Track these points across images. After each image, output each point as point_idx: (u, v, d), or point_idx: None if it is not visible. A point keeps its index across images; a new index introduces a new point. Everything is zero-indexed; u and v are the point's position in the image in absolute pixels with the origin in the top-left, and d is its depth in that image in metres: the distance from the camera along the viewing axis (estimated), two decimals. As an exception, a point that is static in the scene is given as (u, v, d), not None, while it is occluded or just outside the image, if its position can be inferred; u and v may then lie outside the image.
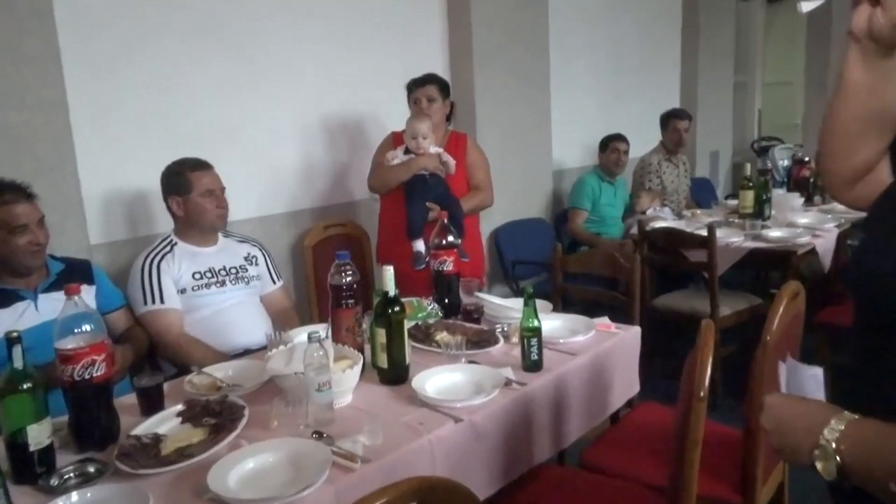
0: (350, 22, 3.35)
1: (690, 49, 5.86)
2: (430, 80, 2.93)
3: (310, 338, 1.53)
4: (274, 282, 2.59)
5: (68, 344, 1.42)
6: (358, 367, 1.65)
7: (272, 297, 2.57)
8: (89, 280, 2.15)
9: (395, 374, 1.75)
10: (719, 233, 3.16)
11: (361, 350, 1.80)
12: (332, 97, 3.34)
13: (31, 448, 1.34)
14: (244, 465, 1.34)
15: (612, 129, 4.26)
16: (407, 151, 2.79)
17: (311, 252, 3.23)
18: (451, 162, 2.80)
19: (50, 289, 2.02)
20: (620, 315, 2.26)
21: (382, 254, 3.00)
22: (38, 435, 1.35)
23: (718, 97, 6.22)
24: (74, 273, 2.10)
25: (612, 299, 2.56)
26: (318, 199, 3.37)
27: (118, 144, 2.62)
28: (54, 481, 1.32)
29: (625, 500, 1.70)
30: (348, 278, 1.80)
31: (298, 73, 3.17)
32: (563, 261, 2.76)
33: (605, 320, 2.13)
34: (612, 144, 4.16)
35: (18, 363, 1.34)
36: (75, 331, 1.43)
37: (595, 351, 1.94)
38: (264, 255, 2.60)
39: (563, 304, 2.74)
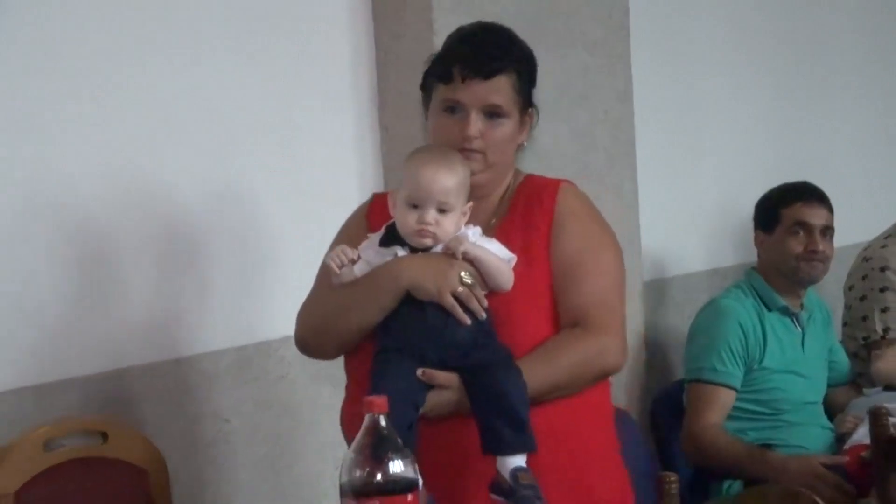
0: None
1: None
2: (499, 59, 2.28)
3: None
4: None
5: None
6: None
7: None
8: None
9: None
10: None
11: None
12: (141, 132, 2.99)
13: None
14: None
15: (788, 177, 3.66)
16: (388, 239, 2.19)
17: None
18: (499, 262, 2.15)
19: None
20: None
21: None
22: None
23: None
24: None
25: None
26: (28, 371, 2.76)
27: None
28: None
29: None
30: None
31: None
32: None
33: None
34: (792, 211, 3.46)
35: None
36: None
37: None
38: None
39: None
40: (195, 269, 3.07)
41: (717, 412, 3.42)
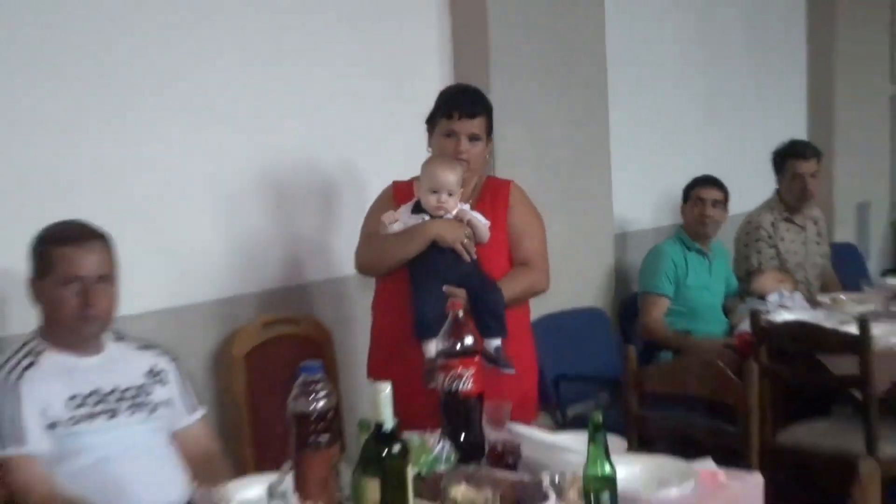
0: (306, 27, 3.57)
1: (821, 53, 5.99)
2: (479, 106, 3.04)
3: (270, 493, 1.59)
4: (190, 411, 2.67)
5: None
6: (339, 539, 1.71)
7: (188, 435, 2.63)
8: None
9: (396, 549, 1.80)
10: (878, 329, 3.19)
11: (341, 511, 1.85)
12: (282, 134, 3.51)
13: None
14: None
15: (704, 170, 4.44)
16: (416, 209, 2.89)
17: (244, 364, 3.31)
18: (482, 225, 2.89)
19: None
20: (730, 457, 2.31)
21: (376, 365, 3.09)
22: None
23: (868, 121, 6.29)
24: None
25: (716, 434, 2.60)
26: (258, 281, 3.47)
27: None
28: None
29: None
30: (321, 403, 1.88)
31: (234, 100, 3.35)
32: (638, 374, 2.80)
33: (708, 465, 2.17)
34: (697, 192, 4.32)
35: None
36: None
37: (699, 512, 1.98)
38: (175, 371, 2.68)
39: (640, 442, 2.77)
40: (330, 215, 3.72)
41: (658, 311, 4.19)
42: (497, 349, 2.79)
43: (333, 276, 3.70)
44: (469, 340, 2.34)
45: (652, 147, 5.00)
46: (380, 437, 1.82)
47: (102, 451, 2.43)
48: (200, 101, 3.27)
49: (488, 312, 2.81)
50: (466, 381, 2.30)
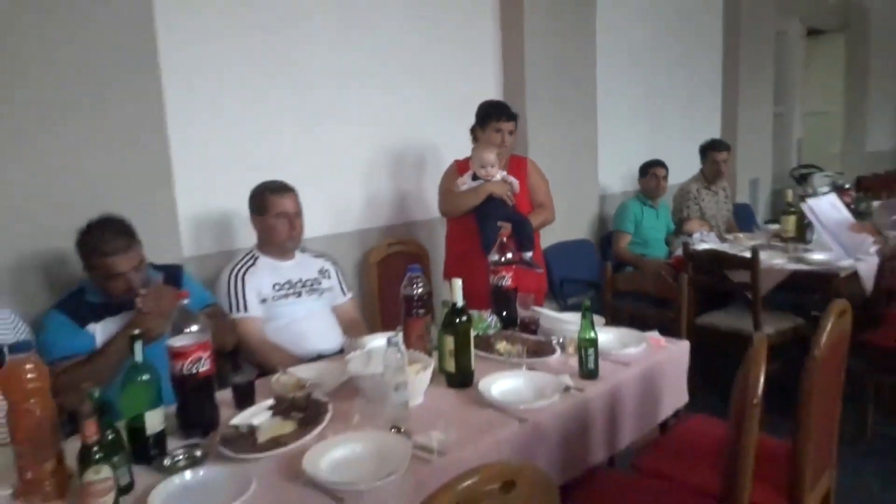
0: (410, 59, 3.48)
1: (731, 80, 5.82)
2: (512, 114, 2.99)
3: (389, 342, 1.60)
4: (344, 293, 2.69)
5: (178, 342, 1.53)
6: (429, 371, 1.72)
7: (342, 308, 2.66)
8: (179, 287, 2.22)
9: (462, 379, 1.81)
10: (762, 255, 3.15)
11: (430, 356, 1.87)
12: (395, 128, 3.46)
13: (148, 432, 1.45)
14: (333, 453, 1.42)
15: (655, 156, 4.28)
16: (475, 177, 2.86)
17: (376, 268, 3.33)
18: (515, 182, 2.87)
19: None
20: (666, 332, 2.27)
21: (449, 269, 3.06)
22: (154, 421, 1.46)
23: (758, 127, 6.15)
24: (170, 283, 2.18)
25: (659, 317, 2.57)
26: (383, 219, 3.47)
27: (209, 166, 2.76)
28: (167, 462, 1.43)
29: (677, 502, 1.71)
30: (419, 290, 1.89)
31: (365, 103, 3.30)
32: (612, 279, 2.78)
33: (655, 334, 2.16)
34: (650, 170, 4.19)
35: (139, 357, 1.45)
36: (185, 331, 1.54)
37: (647, 362, 1.97)
38: (335, 270, 2.69)
39: (613, 320, 2.71)
40: (423, 177, 3.58)
41: (624, 242, 4.08)
42: (530, 258, 2.77)
43: (427, 217, 3.64)
44: (508, 255, 2.33)
45: (623, 140, 4.85)
46: (454, 311, 1.82)
47: (291, 317, 2.48)
48: (345, 106, 3.23)
49: (524, 235, 2.77)
50: (507, 279, 2.32)
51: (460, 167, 3.01)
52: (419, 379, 1.69)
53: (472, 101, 3.09)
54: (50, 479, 1.30)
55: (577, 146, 4.24)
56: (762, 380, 1.34)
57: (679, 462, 1.92)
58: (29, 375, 1.28)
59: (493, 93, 3.86)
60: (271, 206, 2.45)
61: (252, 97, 2.89)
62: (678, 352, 2.11)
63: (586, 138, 4.33)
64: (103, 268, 1.98)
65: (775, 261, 3.34)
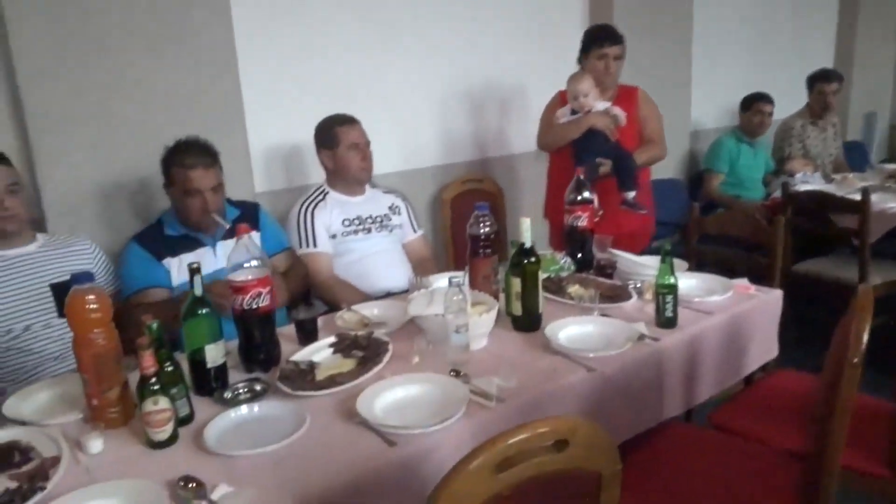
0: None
1: (849, 4, 5.25)
2: (618, 37, 2.74)
3: (450, 282, 1.55)
4: (414, 231, 2.65)
5: (239, 277, 1.52)
6: (493, 313, 1.66)
7: (412, 245, 2.63)
8: (255, 226, 2.24)
9: (528, 322, 1.74)
10: (873, 198, 2.88)
11: (497, 297, 1.80)
12: (474, 59, 3.32)
13: (209, 365, 1.47)
14: (389, 394, 1.39)
15: (756, 88, 3.95)
16: (574, 112, 2.66)
17: (449, 205, 3.27)
18: (621, 115, 2.61)
19: (227, 236, 2.11)
20: (758, 280, 2.10)
21: (551, 208, 2.94)
22: (214, 354, 1.47)
23: (878, 55, 5.55)
24: (245, 221, 2.16)
25: (750, 262, 2.39)
26: (458, 155, 3.39)
27: (279, 101, 2.74)
28: (227, 395, 1.44)
29: (754, 463, 1.59)
30: (486, 229, 1.80)
31: (440, 37, 3.18)
32: (699, 221, 2.59)
33: (744, 282, 2.00)
34: (755, 105, 3.85)
35: (198, 290, 1.45)
36: (245, 266, 1.53)
37: (732, 312, 1.83)
38: (406, 206, 2.65)
39: (697, 266, 2.56)
40: (504, 114, 3.49)
41: (715, 181, 3.83)
42: (632, 198, 2.60)
43: (505, 153, 3.54)
44: (585, 194, 2.19)
45: (721, 71, 4.50)
46: (522, 252, 1.73)
47: (361, 253, 2.48)
48: (423, 40, 3.13)
49: (625, 173, 2.59)
50: (582, 219, 2.20)
51: (563, 98, 2.81)
52: (482, 321, 1.62)
53: (558, 31, 2.97)
54: (114, 406, 1.33)
55: (668, 77, 3.94)
56: (866, 336, 1.19)
57: (761, 419, 1.80)
58: (91, 306, 1.30)
59: (579, 21, 3.63)
60: (342, 138, 2.42)
61: (323, 29, 2.83)
62: (769, 301, 1.94)
63: (679, 69, 4.05)
64: (183, 181, 2.00)
65: (888, 204, 3.07)
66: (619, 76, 2.80)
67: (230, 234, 2.05)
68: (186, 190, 2.01)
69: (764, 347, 1.93)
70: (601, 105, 2.60)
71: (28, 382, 1.80)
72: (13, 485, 1.14)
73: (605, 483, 0.90)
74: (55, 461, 1.20)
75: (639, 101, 2.82)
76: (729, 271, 2.13)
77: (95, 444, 1.25)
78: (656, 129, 2.84)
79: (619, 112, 2.61)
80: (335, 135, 2.43)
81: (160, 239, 2.08)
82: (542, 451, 0.85)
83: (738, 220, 2.59)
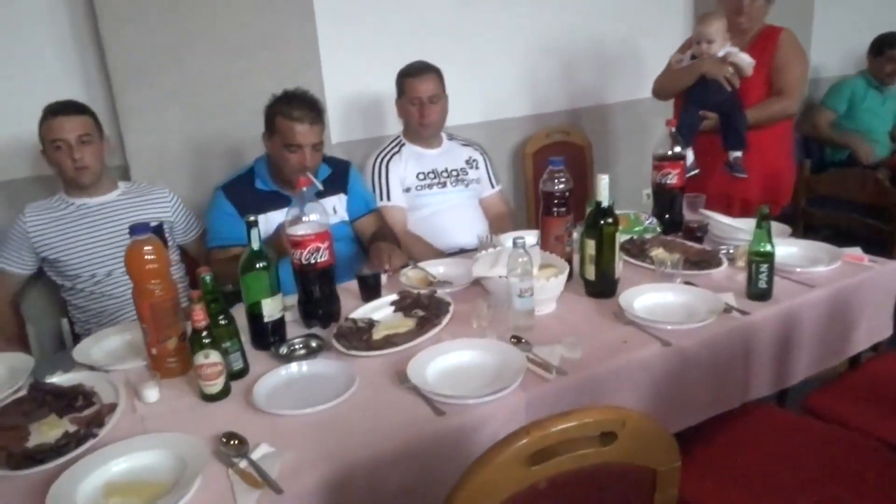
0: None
1: None
2: None
3: (514, 243, 1.45)
4: (492, 186, 2.56)
5: (297, 231, 1.49)
6: (563, 277, 1.56)
7: (490, 201, 2.55)
8: (344, 189, 2.19)
9: (602, 288, 1.62)
10: None
11: (570, 260, 1.70)
12: (561, 3, 3.15)
13: (266, 319, 1.45)
14: (442, 360, 1.33)
15: (888, 29, 3.51)
16: (692, 57, 2.43)
17: (532, 159, 3.12)
18: (746, 63, 2.32)
19: (317, 196, 2.07)
20: (877, 249, 1.87)
21: None
22: (271, 308, 1.46)
23: None
24: (335, 182, 2.15)
25: (867, 229, 2.13)
26: (542, 106, 3.22)
27: (356, 51, 2.68)
28: (283, 350, 1.43)
29: (853, 455, 1.41)
30: (560, 185, 1.68)
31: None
32: (809, 181, 2.34)
33: (856, 251, 1.78)
34: (888, 50, 3.42)
35: (256, 244, 1.43)
36: (304, 220, 1.49)
37: (839, 285, 1.63)
38: (485, 160, 2.56)
39: (805, 231, 2.36)
40: (601, 65, 3.30)
41: (824, 119, 3.51)
42: (736, 159, 2.37)
43: (596, 103, 3.34)
44: (677, 149, 2.03)
45: (842, 9, 3.98)
46: (599, 212, 1.60)
47: (435, 208, 2.42)
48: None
49: (732, 130, 2.36)
50: (672, 177, 2.04)
51: (686, 44, 2.57)
52: (550, 285, 1.52)
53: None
54: (172, 357, 1.35)
55: (783, 17, 3.45)
56: None
57: (866, 406, 1.60)
58: (147, 257, 1.30)
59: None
60: (407, 89, 2.35)
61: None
62: (885, 274, 1.72)
63: (797, 9, 3.60)
64: (285, 132, 1.94)
65: None
66: (762, 16, 2.47)
67: (320, 193, 1.99)
68: (287, 143, 1.95)
69: (875, 326, 1.72)
70: (724, 50, 2.33)
71: (111, 324, 1.89)
72: (73, 428, 1.18)
73: (661, 481, 0.80)
74: (112, 408, 1.22)
75: (779, 44, 2.46)
76: (844, 239, 1.92)
77: (152, 394, 1.27)
78: (791, 81, 2.45)
79: (742, 59, 2.31)
80: (402, 84, 2.36)
81: (249, 192, 2.04)
82: (585, 442, 0.75)
83: (856, 179, 2.34)
